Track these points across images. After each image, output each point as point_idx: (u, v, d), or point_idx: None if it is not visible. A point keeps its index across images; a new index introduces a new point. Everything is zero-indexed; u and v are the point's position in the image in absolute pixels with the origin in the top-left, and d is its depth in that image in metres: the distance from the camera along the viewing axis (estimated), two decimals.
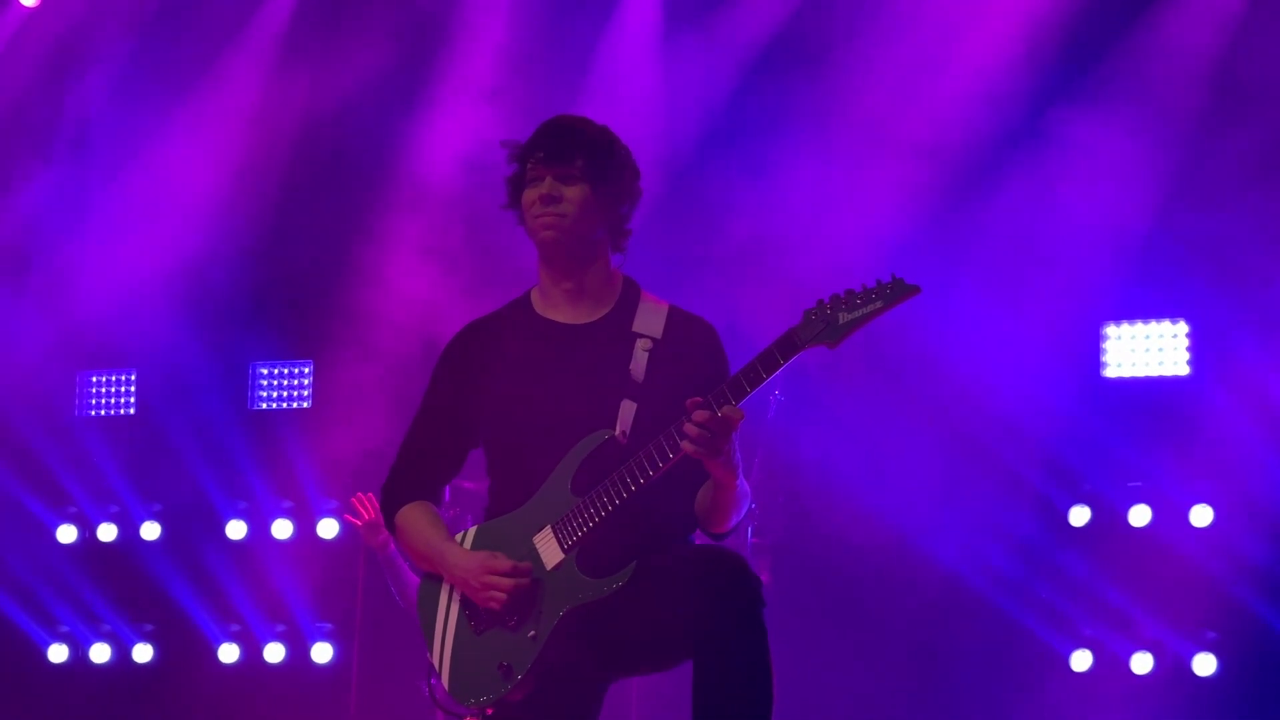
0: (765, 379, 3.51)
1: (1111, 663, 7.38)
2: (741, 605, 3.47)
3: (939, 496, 7.53)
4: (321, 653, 8.39)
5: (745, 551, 6.94)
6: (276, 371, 8.91)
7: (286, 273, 8.77)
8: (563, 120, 3.89)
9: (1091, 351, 7.63)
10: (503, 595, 3.61)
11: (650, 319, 3.86)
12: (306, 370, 8.86)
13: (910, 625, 7.59)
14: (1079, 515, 7.50)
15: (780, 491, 7.37)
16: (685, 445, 3.48)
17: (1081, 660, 7.41)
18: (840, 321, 3.50)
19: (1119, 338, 7.65)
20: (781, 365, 3.51)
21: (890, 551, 7.50)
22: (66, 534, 8.86)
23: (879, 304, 3.49)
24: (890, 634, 7.61)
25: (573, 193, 3.78)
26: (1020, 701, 7.47)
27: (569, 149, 3.79)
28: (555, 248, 3.81)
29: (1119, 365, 7.64)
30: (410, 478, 3.95)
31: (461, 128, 8.15)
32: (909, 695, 7.51)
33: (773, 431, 7.06)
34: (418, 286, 8.11)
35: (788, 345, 3.52)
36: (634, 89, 8.10)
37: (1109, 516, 7.47)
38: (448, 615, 3.76)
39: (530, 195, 3.81)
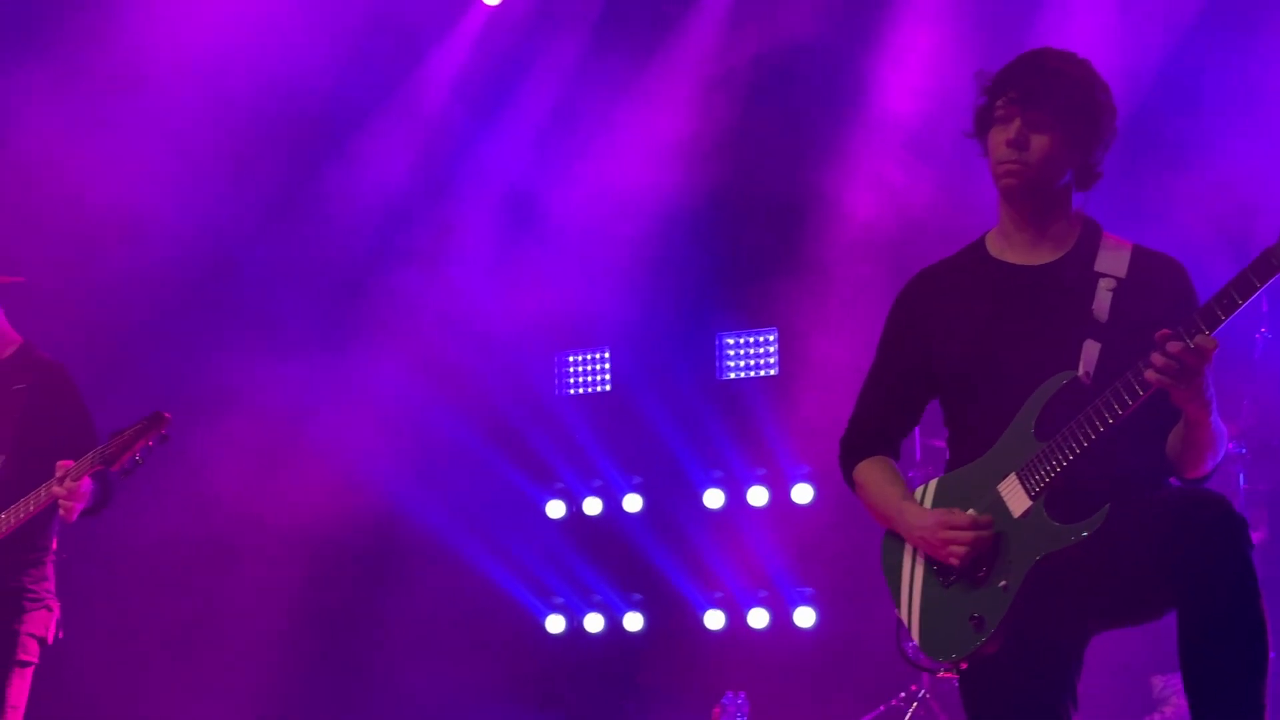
0: (1240, 304, 3.28)
1: None
2: (1229, 548, 3.26)
3: None
4: (804, 617, 8.43)
5: (1237, 500, 6.56)
6: (742, 341, 9.02)
7: (747, 243, 8.85)
8: (1041, 57, 3.70)
9: None
10: (962, 550, 3.52)
11: (1113, 258, 3.69)
12: (771, 338, 8.93)
13: None
14: None
15: (1275, 435, 6.91)
16: (1151, 376, 3.29)
17: None
18: None
19: None
20: (1257, 289, 3.27)
21: None
22: (555, 509, 9.23)
23: None
24: None
25: (1042, 139, 3.63)
26: None
27: (1044, 91, 3.62)
28: (1015, 194, 3.69)
29: None
30: (866, 432, 3.90)
31: (921, 72, 8.01)
32: None
33: (1261, 372, 6.64)
34: (879, 247, 8.03)
35: (1263, 267, 3.27)
36: (1091, 15, 7.74)
37: None
38: (913, 571, 3.69)
39: (996, 136, 3.68)
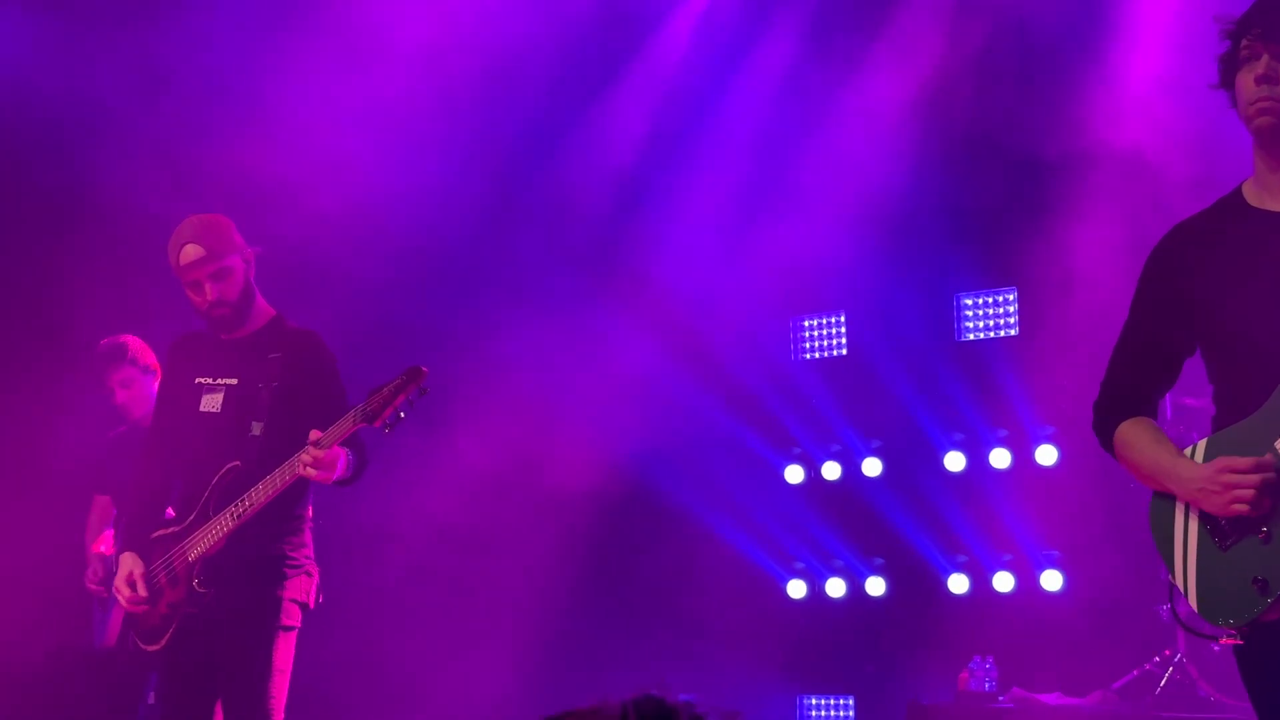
0: None
1: None
2: None
3: None
4: (1051, 580, 8.27)
5: None
6: (981, 301, 8.87)
7: (983, 202, 8.69)
8: None
9: None
10: (1248, 493, 3.38)
11: None
12: (1011, 298, 8.76)
13: None
14: None
15: None
16: None
17: None
18: None
19: None
20: None
21: None
22: (794, 474, 9.22)
23: None
24: None
25: None
26: None
27: None
28: (1271, 133, 3.55)
29: None
30: (1124, 392, 3.77)
31: (1165, 25, 7.77)
32: None
33: None
34: (1121, 202, 7.81)
35: None
36: None
37: None
38: (1186, 534, 3.56)
39: (1245, 77, 3.56)
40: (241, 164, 7.89)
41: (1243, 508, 3.40)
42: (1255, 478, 3.38)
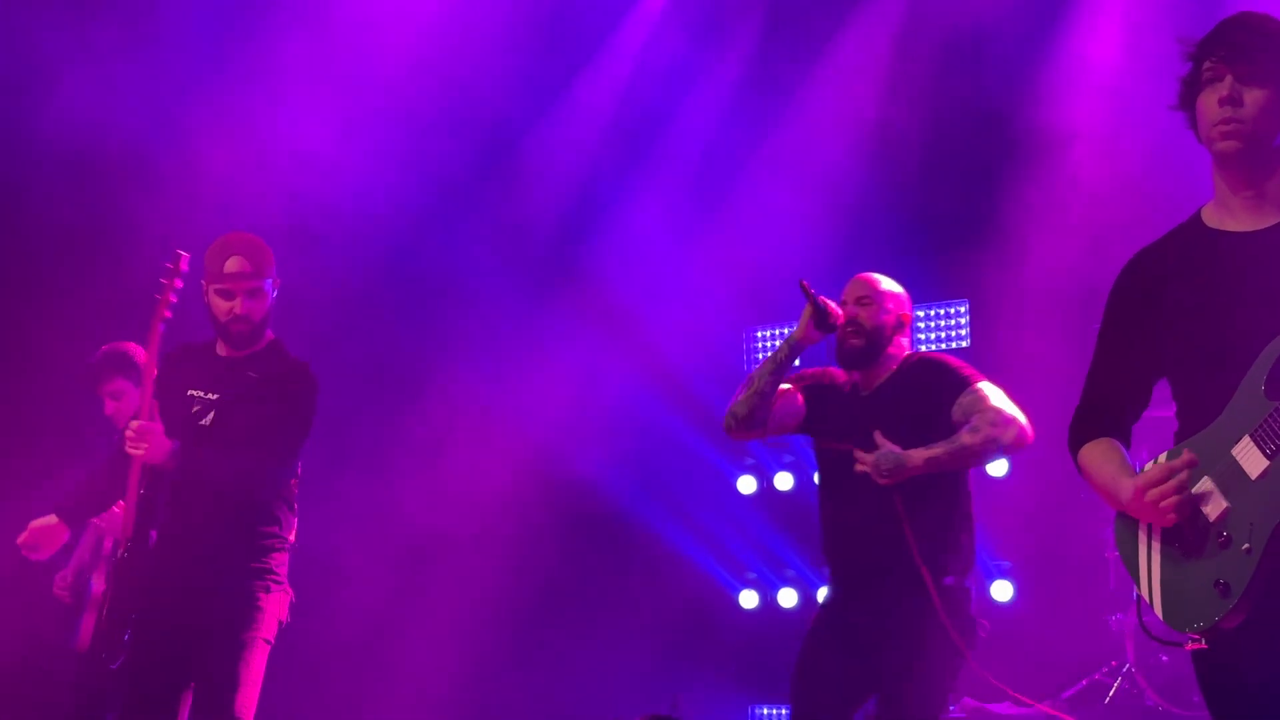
0: None
1: None
2: None
3: None
4: (1001, 590, 8.35)
5: None
6: (933, 313, 8.95)
7: (935, 215, 8.78)
8: (1246, 16, 3.63)
9: None
10: (1170, 501, 3.42)
11: None
12: (962, 310, 8.85)
13: None
14: None
15: None
16: None
17: None
18: None
19: None
20: None
21: None
22: (747, 485, 9.26)
23: None
24: None
25: (1256, 94, 3.54)
26: None
27: (1253, 45, 3.54)
28: (1236, 156, 3.60)
29: None
30: (1096, 415, 3.81)
31: (1107, 54, 7.88)
32: None
33: None
34: (1071, 217, 7.92)
35: None
36: None
37: None
38: (1149, 546, 3.61)
39: (1208, 98, 3.59)
40: (198, 167, 7.88)
41: (1172, 519, 3.46)
42: (1171, 484, 3.44)
